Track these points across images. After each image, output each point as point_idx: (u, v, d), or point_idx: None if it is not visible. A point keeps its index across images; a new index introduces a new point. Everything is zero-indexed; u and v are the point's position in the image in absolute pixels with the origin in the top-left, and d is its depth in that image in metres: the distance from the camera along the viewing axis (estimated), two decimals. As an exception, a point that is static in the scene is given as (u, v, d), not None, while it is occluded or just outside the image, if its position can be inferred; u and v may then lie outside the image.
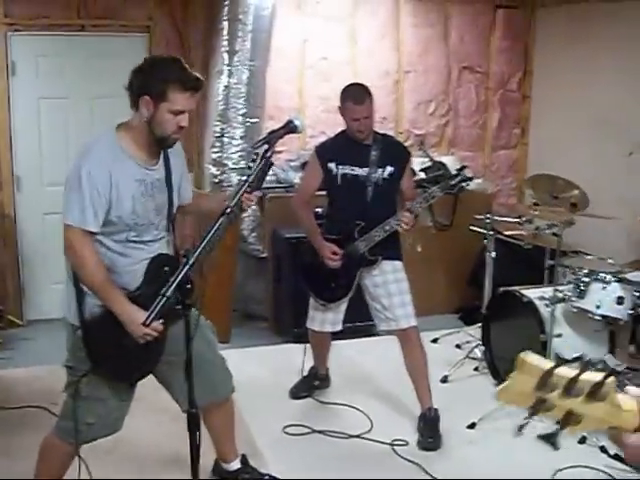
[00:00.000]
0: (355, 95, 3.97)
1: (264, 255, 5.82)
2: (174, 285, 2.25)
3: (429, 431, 4.07)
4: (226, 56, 5.55)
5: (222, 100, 5.58)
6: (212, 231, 2.40)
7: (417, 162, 6.04)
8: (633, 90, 5.66)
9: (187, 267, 2.27)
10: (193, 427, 2.55)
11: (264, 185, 5.53)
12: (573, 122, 6.27)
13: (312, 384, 4.67)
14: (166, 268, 2.86)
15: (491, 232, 4.99)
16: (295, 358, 4.83)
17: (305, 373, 4.71)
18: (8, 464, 3.70)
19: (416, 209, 3.89)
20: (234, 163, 5.62)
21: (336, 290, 4.16)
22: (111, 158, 2.75)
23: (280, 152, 6.10)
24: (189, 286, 2.35)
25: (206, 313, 5.49)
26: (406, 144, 6.31)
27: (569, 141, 6.30)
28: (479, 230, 5.08)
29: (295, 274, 4.88)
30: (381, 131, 4.28)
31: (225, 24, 5.53)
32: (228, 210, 2.44)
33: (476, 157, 6.79)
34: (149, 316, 2.36)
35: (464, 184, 3.90)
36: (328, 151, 4.18)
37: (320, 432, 4.17)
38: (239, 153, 5.60)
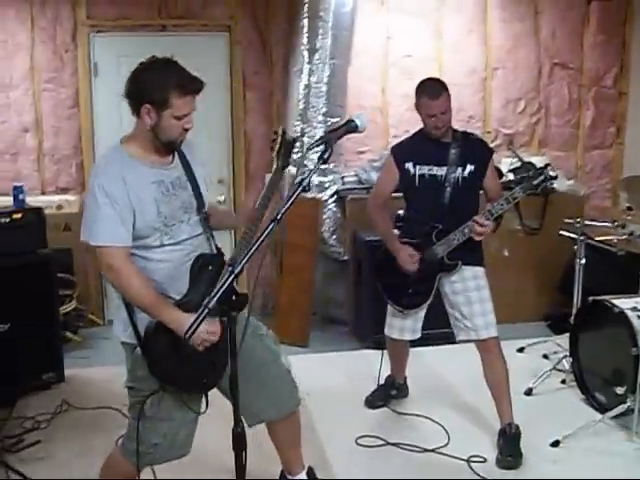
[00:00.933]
0: (430, 90, 3.80)
1: (345, 258, 5.70)
2: (216, 297, 2.12)
3: (509, 448, 3.83)
4: (306, 54, 5.47)
5: (302, 99, 5.50)
6: (260, 239, 2.26)
7: (505, 162, 5.82)
8: None
9: (231, 278, 2.14)
10: (238, 447, 2.41)
11: (344, 187, 5.59)
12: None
13: (389, 393, 4.50)
14: (210, 267, 2.78)
15: (582, 237, 4.72)
16: (374, 365, 4.65)
17: (382, 381, 4.55)
18: (82, 464, 3.71)
19: (496, 211, 3.67)
20: (315, 164, 5.49)
21: (414, 296, 3.99)
22: (120, 167, 2.69)
23: (363, 152, 6.00)
24: (234, 297, 2.22)
25: (284, 316, 5.58)
26: (494, 144, 6.17)
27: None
28: (569, 235, 4.81)
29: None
30: (461, 129, 4.08)
31: (305, 22, 5.45)
32: (279, 216, 2.29)
33: (569, 157, 6.47)
34: (191, 327, 2.25)
35: (548, 184, 3.66)
36: (405, 150, 4.01)
37: (394, 444, 4.00)
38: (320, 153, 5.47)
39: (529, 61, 6.27)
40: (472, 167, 3.86)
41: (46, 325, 4.63)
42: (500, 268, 5.64)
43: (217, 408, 2.90)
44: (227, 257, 2.85)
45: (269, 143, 3.04)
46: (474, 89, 6.16)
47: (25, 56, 5.58)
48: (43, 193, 5.75)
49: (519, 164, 5.75)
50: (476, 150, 3.94)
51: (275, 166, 2.94)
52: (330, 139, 2.42)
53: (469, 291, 3.90)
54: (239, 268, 2.13)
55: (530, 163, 5.76)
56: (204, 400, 2.92)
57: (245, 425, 2.59)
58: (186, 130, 2.74)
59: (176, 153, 2.86)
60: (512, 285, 5.70)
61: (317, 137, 5.44)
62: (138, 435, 2.79)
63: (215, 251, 2.93)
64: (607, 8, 6.37)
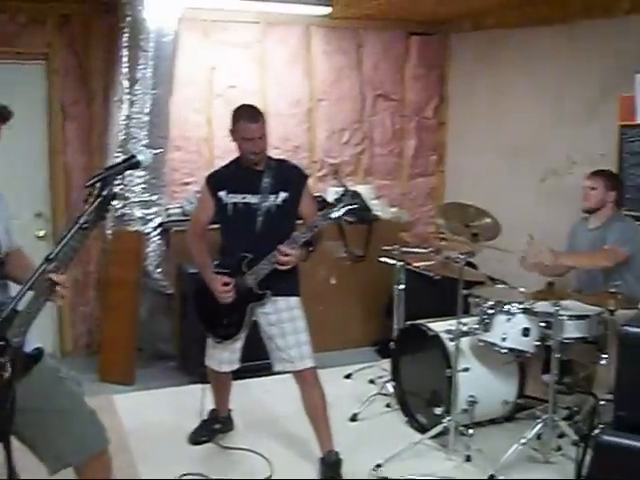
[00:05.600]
0: (248, 114, 3.79)
1: (170, 291, 5.58)
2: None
3: (331, 475, 3.84)
4: (127, 84, 5.32)
5: (123, 130, 5.34)
6: (32, 279, 2.13)
7: (332, 192, 5.90)
8: (545, 116, 5.62)
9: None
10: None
11: (169, 219, 5.48)
12: (488, 148, 6.20)
13: (213, 428, 4.41)
14: None
15: (400, 263, 4.84)
16: (199, 400, 4.58)
17: (205, 416, 4.45)
18: None
19: (299, 240, 3.68)
20: (138, 196, 5.39)
21: (229, 327, 3.93)
22: None
23: (188, 183, 5.92)
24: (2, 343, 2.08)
25: (108, 354, 5.38)
26: (320, 173, 6.25)
27: (484, 168, 6.23)
28: (388, 261, 4.92)
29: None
30: (277, 157, 4.10)
31: (125, 51, 5.31)
32: (51, 256, 2.17)
33: (393, 185, 6.66)
34: None
35: (347, 210, 3.71)
36: (219, 179, 3.97)
37: (216, 481, 3.92)
38: (142, 185, 5.37)
39: (353, 93, 6.41)
40: (286, 195, 3.85)
41: None
42: (327, 296, 5.71)
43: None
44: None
45: (91, 174, 2.79)
46: (299, 120, 6.23)
47: None
48: None
49: (346, 192, 5.87)
50: (290, 177, 3.94)
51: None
52: (108, 176, 2.30)
53: (283, 322, 3.88)
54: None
55: (355, 192, 5.89)
56: None
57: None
58: None
59: None
60: (340, 312, 5.77)
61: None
62: None
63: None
64: (426, 42, 6.64)
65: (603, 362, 3.95)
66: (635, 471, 2.30)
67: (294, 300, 3.93)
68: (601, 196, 4.50)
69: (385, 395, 4.87)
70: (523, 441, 4.00)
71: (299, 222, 3.96)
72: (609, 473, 2.35)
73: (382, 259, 5.03)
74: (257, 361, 4.49)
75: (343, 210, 3.67)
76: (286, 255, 3.65)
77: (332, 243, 5.68)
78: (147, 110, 5.33)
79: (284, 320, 3.88)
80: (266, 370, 4.82)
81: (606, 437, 2.35)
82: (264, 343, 3.99)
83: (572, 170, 5.30)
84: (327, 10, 5.63)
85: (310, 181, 5.99)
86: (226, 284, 3.84)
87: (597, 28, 5.08)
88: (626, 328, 2.42)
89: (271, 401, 4.93)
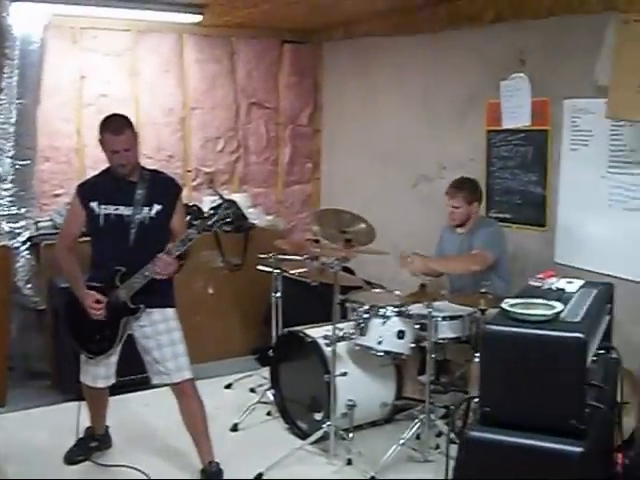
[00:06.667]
0: (113, 126, 3.70)
1: (42, 307, 5.39)
2: None
3: (211, 486, 3.82)
4: (-9, 94, 5.13)
5: (-13, 142, 5.14)
6: None
7: (207, 201, 5.84)
8: (415, 123, 5.76)
9: None
10: None
11: (38, 232, 5.31)
12: (362, 155, 6.31)
13: (89, 446, 4.27)
14: None
15: (277, 271, 4.85)
16: (75, 418, 4.44)
17: (82, 434, 4.32)
18: None
19: (173, 252, 3.63)
20: (5, 209, 5.19)
21: (101, 342, 3.83)
22: None
23: (59, 195, 5.74)
24: None
25: None
26: (195, 183, 6.20)
27: (359, 174, 6.33)
28: (265, 269, 4.93)
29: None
30: (151, 167, 4.04)
31: (-11, 60, 5.11)
32: None
33: (269, 193, 6.68)
34: None
35: (221, 222, 3.70)
36: (90, 189, 3.87)
37: (93, 500, 3.82)
38: (9, 198, 5.19)
39: (227, 101, 6.39)
40: (159, 207, 3.80)
41: None
42: (206, 306, 5.66)
43: None
44: None
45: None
46: (173, 128, 6.16)
47: None
48: None
49: (220, 202, 5.84)
50: (164, 189, 3.89)
51: None
52: None
53: (159, 335, 3.83)
54: None
55: (231, 201, 5.87)
56: None
57: None
58: None
59: None
60: (219, 322, 5.73)
61: (8, 180, 5.19)
62: None
63: None
64: (299, 50, 6.70)
65: (476, 360, 4.08)
66: (500, 464, 2.39)
67: (170, 311, 3.88)
68: (465, 212, 4.65)
69: (266, 403, 4.86)
70: (402, 442, 4.09)
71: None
72: (476, 467, 2.44)
73: (259, 267, 5.04)
74: (134, 375, 4.41)
75: (217, 222, 3.65)
76: (161, 267, 3.59)
77: (209, 253, 5.63)
78: (13, 120, 5.16)
79: (160, 332, 3.83)
80: (144, 384, 4.76)
81: (472, 433, 2.43)
82: (141, 356, 3.92)
83: (442, 175, 5.46)
84: (199, 18, 5.58)
85: (185, 191, 6.01)
86: (98, 301, 3.75)
87: (463, 36, 5.25)
88: (488, 326, 2.51)
89: (150, 415, 4.83)
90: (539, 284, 2.97)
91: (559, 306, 2.51)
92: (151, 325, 3.83)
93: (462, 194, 4.62)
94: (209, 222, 3.65)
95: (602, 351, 2.93)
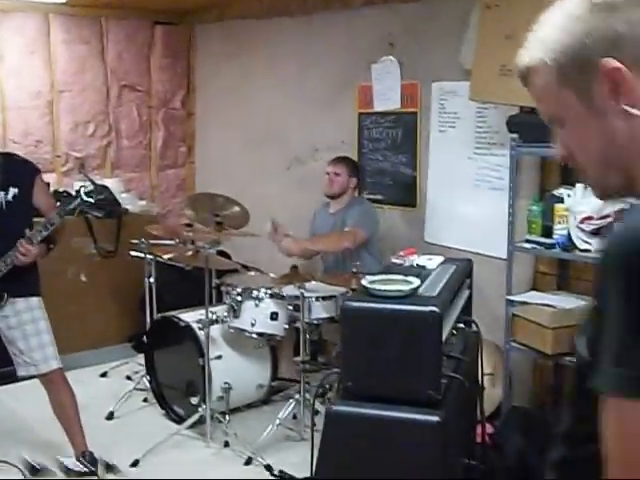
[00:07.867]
0: None
1: None
2: None
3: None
4: None
5: None
6: None
7: (78, 187, 5.69)
8: (288, 105, 5.78)
9: None
10: None
11: None
12: (235, 138, 6.28)
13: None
14: None
15: (150, 256, 4.80)
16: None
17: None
18: None
19: (36, 237, 3.53)
20: None
21: None
22: None
23: None
24: None
25: None
26: (65, 168, 6.02)
27: (233, 158, 6.31)
28: (138, 255, 4.86)
29: None
30: (4, 150, 3.91)
31: None
32: None
33: (143, 178, 6.56)
34: None
35: (84, 206, 3.64)
36: None
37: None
38: None
39: (97, 83, 6.21)
40: (16, 190, 3.67)
41: None
42: (79, 294, 5.52)
43: None
44: None
45: None
46: (40, 112, 5.94)
47: None
48: None
49: (92, 187, 5.70)
50: (20, 172, 3.77)
51: None
52: None
53: (24, 324, 3.72)
54: None
55: (103, 186, 5.74)
56: None
57: None
58: None
59: None
60: (94, 310, 5.59)
61: None
62: None
63: None
64: (171, 32, 6.58)
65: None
66: (362, 436, 2.45)
67: (35, 300, 3.77)
68: (344, 182, 4.73)
69: (142, 390, 4.82)
70: (278, 422, 4.14)
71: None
72: (341, 440, 2.50)
73: (132, 253, 4.96)
74: (1, 369, 4.28)
75: (80, 204, 3.57)
76: (24, 254, 3.49)
77: (80, 239, 5.49)
78: None
79: (25, 322, 3.72)
80: (11, 377, 4.61)
81: (334, 407, 2.49)
82: (5, 348, 3.80)
83: (315, 157, 5.52)
84: (64, -3, 5.42)
85: (55, 177, 5.84)
86: None
87: (336, 19, 5.30)
88: (347, 303, 2.58)
89: (20, 409, 4.69)
90: (400, 261, 3.05)
91: (416, 282, 2.58)
92: (15, 315, 3.71)
93: (344, 163, 4.75)
94: (71, 206, 3.57)
95: (462, 325, 3.05)
